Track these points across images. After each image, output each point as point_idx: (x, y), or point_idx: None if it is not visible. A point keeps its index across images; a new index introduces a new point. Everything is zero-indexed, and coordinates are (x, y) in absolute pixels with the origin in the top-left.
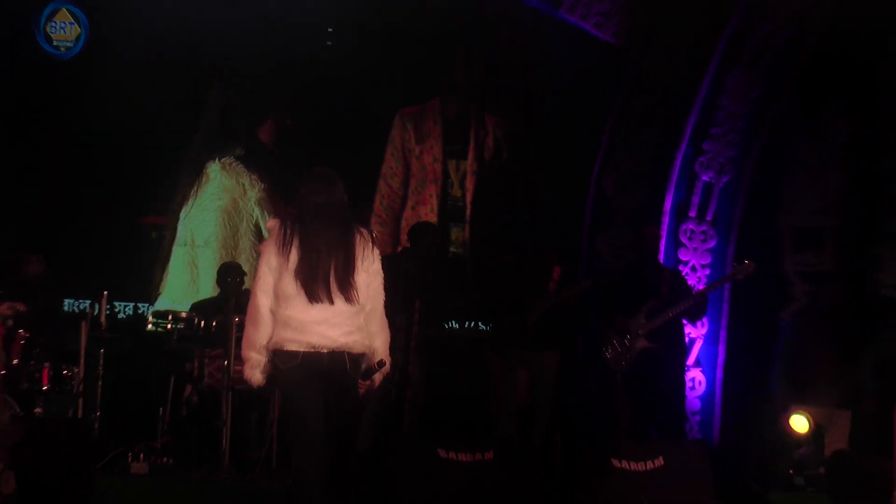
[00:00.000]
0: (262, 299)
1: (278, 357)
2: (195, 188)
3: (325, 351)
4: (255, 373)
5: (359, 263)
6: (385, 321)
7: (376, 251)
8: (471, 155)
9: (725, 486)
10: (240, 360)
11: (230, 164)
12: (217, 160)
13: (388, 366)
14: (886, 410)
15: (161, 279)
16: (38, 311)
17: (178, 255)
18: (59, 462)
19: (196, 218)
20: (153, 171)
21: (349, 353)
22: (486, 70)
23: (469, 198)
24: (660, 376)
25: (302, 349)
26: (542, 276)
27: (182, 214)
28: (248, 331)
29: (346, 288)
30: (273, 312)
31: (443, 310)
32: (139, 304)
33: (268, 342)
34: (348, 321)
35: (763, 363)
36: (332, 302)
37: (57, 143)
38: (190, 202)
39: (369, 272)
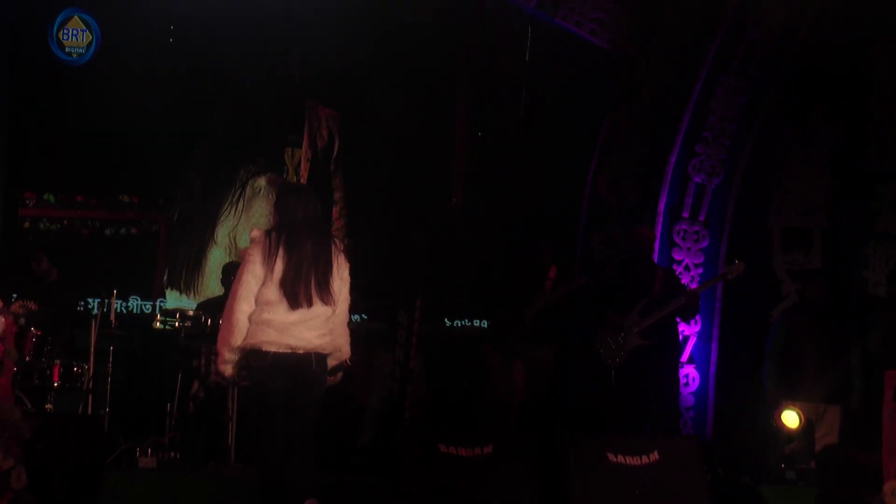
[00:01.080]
0: (243, 305)
1: (252, 356)
2: (238, 200)
3: (301, 352)
4: (227, 367)
5: (335, 271)
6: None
7: (346, 260)
8: (305, 143)
9: (718, 480)
10: None
11: (274, 179)
12: (263, 175)
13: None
14: (873, 406)
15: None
16: (53, 309)
17: (217, 259)
18: (69, 457)
19: (242, 229)
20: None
21: (317, 353)
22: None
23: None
24: (654, 373)
25: (280, 350)
26: (539, 273)
27: (222, 220)
28: (224, 332)
29: (325, 293)
30: (250, 316)
31: (443, 306)
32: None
33: (243, 343)
34: (323, 324)
35: (755, 360)
36: (310, 306)
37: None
38: (232, 211)
39: (342, 279)
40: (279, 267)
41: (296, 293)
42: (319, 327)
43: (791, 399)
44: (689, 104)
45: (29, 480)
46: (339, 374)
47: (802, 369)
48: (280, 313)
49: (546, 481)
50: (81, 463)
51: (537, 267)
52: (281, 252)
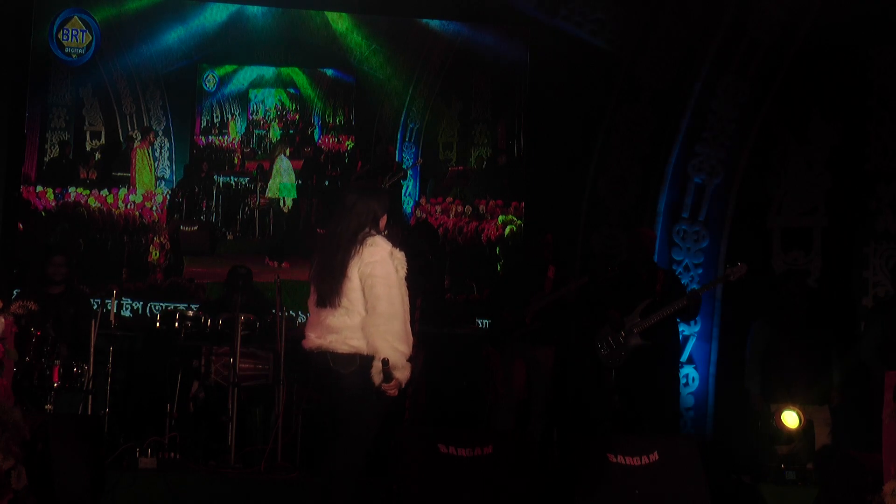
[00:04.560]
0: None
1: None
2: None
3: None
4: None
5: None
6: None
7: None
8: None
9: (718, 480)
10: (244, 357)
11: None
12: None
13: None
14: (873, 406)
15: None
16: (65, 313)
17: None
18: (69, 457)
19: None
20: None
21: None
22: None
23: None
24: (654, 373)
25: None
26: (538, 273)
27: None
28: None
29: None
30: None
31: (443, 306)
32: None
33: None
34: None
35: None
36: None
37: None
38: None
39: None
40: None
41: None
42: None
43: (777, 402)
44: (689, 104)
45: (29, 480)
46: (391, 378)
47: (787, 371)
48: (312, 311)
49: (546, 481)
50: (81, 463)
51: (538, 266)
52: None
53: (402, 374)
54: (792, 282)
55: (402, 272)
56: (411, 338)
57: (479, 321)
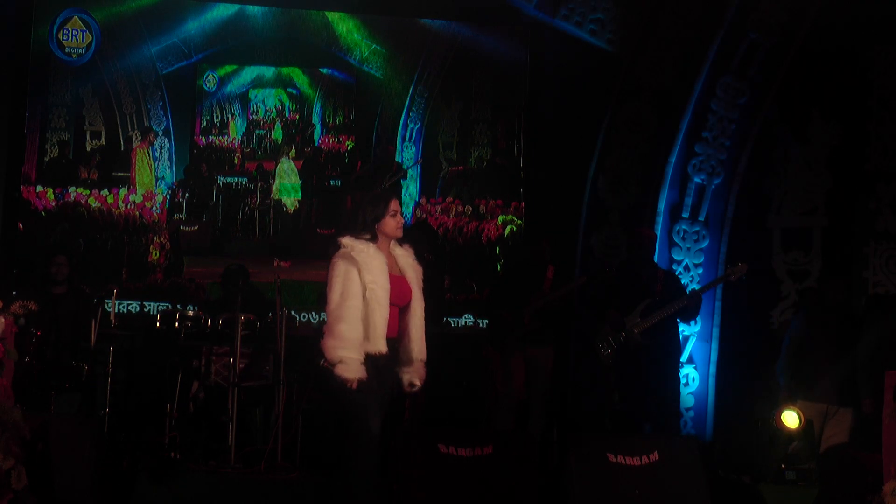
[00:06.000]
0: None
1: None
2: None
3: None
4: None
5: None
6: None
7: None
8: None
9: (718, 480)
10: (244, 357)
11: None
12: None
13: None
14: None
15: None
16: (66, 312)
17: None
18: (69, 457)
19: None
20: None
21: None
22: None
23: None
24: (654, 373)
25: None
26: (537, 273)
27: None
28: None
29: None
30: None
31: (443, 306)
32: None
33: None
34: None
35: (755, 360)
36: None
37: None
38: None
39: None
40: None
41: None
42: None
43: (803, 398)
44: (689, 104)
45: (29, 480)
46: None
47: (816, 369)
48: None
49: (546, 481)
50: (81, 463)
51: (537, 267)
52: None
53: (340, 368)
54: (831, 280)
55: (371, 266)
56: (358, 333)
57: (443, 318)
